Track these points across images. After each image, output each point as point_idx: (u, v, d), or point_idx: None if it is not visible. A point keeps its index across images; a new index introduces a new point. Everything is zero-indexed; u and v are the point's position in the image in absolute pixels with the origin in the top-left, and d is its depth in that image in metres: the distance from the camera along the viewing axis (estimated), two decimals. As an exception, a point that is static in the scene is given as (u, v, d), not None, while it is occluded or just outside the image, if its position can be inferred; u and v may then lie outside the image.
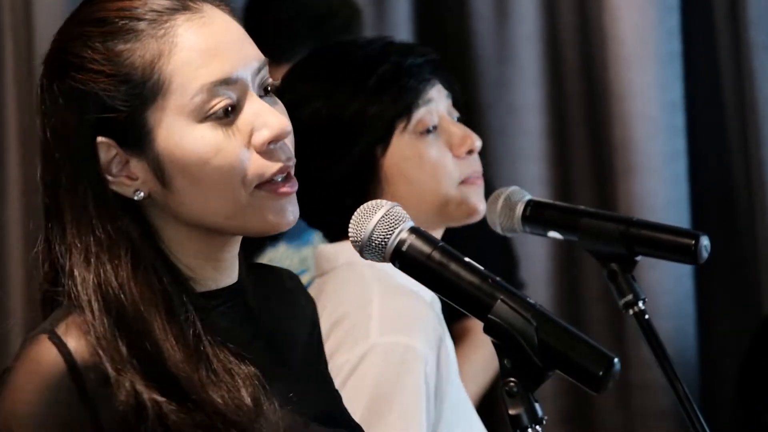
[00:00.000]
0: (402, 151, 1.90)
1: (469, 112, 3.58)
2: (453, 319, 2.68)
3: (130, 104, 1.30)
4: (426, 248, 1.34)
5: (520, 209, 1.91)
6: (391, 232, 1.34)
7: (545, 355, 1.27)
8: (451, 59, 3.78)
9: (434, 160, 1.88)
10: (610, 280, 1.82)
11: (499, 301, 1.30)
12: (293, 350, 1.47)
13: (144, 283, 1.28)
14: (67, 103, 1.30)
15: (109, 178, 1.33)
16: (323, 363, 1.58)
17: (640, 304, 1.81)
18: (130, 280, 1.27)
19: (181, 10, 1.33)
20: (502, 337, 1.29)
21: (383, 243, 1.34)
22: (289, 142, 1.41)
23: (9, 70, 3.21)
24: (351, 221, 1.44)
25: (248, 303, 1.41)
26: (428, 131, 1.87)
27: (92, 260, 1.27)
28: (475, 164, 1.93)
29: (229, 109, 1.33)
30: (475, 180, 1.94)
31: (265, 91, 1.39)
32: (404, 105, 1.89)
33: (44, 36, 2.96)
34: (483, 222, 1.99)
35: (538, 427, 1.28)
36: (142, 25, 1.31)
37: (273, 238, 2.62)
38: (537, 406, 1.28)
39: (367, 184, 1.91)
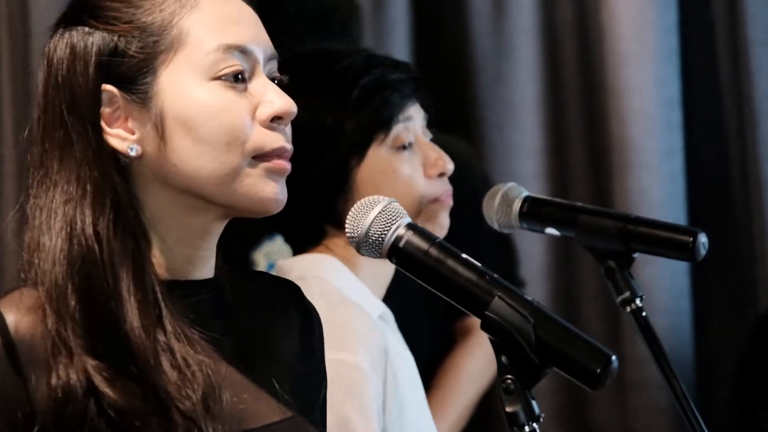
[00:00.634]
0: (377, 164, 1.90)
1: (466, 107, 3.60)
2: (453, 317, 2.68)
3: (143, 52, 1.30)
4: (423, 244, 1.33)
5: (517, 205, 1.90)
6: (388, 228, 1.33)
7: (542, 352, 1.26)
8: (448, 54, 3.80)
9: (407, 175, 1.89)
10: (607, 277, 1.82)
11: (496, 298, 1.29)
12: (265, 358, 1.41)
13: (121, 239, 1.25)
14: (78, 46, 1.29)
15: (107, 129, 1.32)
16: (310, 377, 1.50)
17: (638, 301, 1.80)
18: (109, 231, 1.25)
19: None
20: (499, 334, 1.29)
21: (380, 239, 1.34)
22: (290, 131, 1.41)
23: (5, 63, 3.20)
24: (348, 217, 1.43)
25: (224, 301, 1.37)
26: (404, 147, 1.88)
27: (71, 208, 1.25)
28: (445, 185, 1.93)
29: (239, 76, 1.34)
30: (446, 199, 1.94)
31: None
32: (384, 119, 1.90)
33: (40, 28, 2.95)
34: (481, 218, 1.99)
35: (535, 424, 1.27)
36: None
37: (270, 231, 2.61)
38: (534, 403, 1.28)
39: (337, 193, 1.92)
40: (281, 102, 1.37)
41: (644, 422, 3.39)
